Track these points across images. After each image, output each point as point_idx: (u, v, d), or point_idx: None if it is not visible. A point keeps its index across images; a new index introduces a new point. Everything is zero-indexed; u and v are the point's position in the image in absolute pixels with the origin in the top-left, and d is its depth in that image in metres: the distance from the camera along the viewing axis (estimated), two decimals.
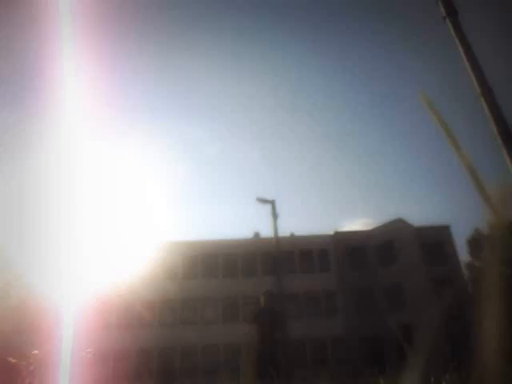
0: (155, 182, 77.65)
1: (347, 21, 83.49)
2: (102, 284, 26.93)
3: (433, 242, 30.92)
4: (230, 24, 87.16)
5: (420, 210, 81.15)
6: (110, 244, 30.04)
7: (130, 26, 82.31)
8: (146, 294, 28.54)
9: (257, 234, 34.34)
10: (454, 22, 6.16)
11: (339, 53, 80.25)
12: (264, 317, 6.67)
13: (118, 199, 65.37)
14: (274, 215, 18.69)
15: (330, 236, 33.14)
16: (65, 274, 22.80)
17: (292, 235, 32.98)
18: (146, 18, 78.64)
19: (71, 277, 22.71)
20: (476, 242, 32.56)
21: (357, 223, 78.80)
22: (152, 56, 75.21)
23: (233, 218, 78.07)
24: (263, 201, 19.09)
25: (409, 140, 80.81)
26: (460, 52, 5.91)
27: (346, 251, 31.92)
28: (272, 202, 18.89)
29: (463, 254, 45.66)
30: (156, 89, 78.21)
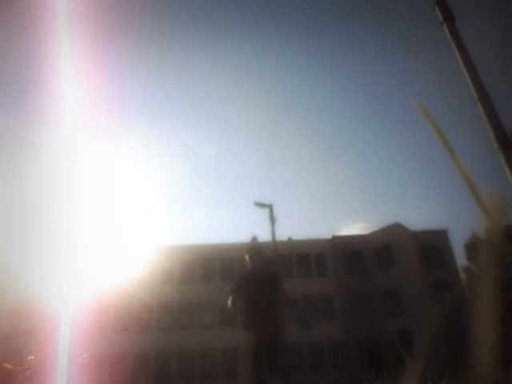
0: (153, 185, 77.64)
1: (343, 24, 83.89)
2: (100, 287, 26.85)
3: (430, 247, 30.95)
4: (225, 26, 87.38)
5: (418, 214, 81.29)
6: (107, 247, 29.97)
7: (127, 29, 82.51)
8: (143, 297, 28.46)
9: (254, 238, 34.27)
10: (450, 28, 6.20)
11: (336, 55, 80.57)
12: (253, 282, 4.72)
13: (115, 202, 65.32)
14: (272, 219, 18.67)
15: (327, 240, 33.14)
16: (62, 277, 22.74)
17: (289, 239, 32.95)
18: (143, 21, 78.78)
19: (68, 280, 22.64)
20: (473, 247, 32.60)
21: (354, 227, 78.80)
22: (148, 58, 75.27)
23: (230, 222, 78.08)
24: (261, 205, 19.08)
25: (406, 144, 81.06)
26: (457, 57, 5.94)
27: (344, 255, 31.92)
28: (269, 206, 18.88)
29: (461, 259, 45.72)
30: (153, 91, 78.28)
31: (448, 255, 31.31)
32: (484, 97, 5.33)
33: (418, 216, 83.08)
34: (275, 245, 17.81)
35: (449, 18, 6.29)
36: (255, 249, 5.18)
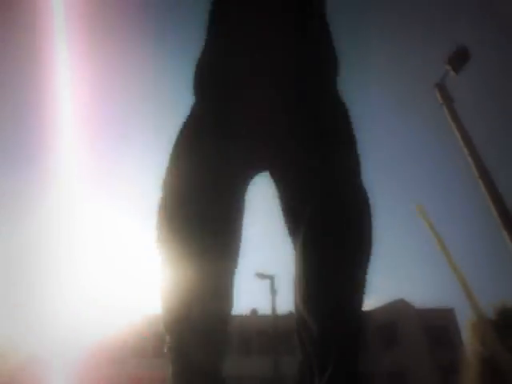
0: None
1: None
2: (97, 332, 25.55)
3: (436, 325, 30.26)
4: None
5: (422, 291, 79.74)
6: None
7: (125, 29, 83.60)
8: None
9: (254, 311, 33.57)
10: (450, 109, 6.48)
11: None
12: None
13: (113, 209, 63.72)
14: (273, 292, 18.27)
15: None
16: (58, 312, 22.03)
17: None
18: (141, 21, 79.55)
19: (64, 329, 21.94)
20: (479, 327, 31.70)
21: None
22: (145, 59, 74.83)
23: None
24: (262, 276, 18.70)
25: (408, 219, 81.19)
26: (457, 136, 6.17)
27: None
28: (271, 278, 18.52)
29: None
30: (152, 91, 78.13)
31: (454, 334, 30.46)
32: (484, 174, 5.47)
33: (424, 293, 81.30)
34: (276, 317, 17.39)
35: (448, 100, 6.60)
36: None
